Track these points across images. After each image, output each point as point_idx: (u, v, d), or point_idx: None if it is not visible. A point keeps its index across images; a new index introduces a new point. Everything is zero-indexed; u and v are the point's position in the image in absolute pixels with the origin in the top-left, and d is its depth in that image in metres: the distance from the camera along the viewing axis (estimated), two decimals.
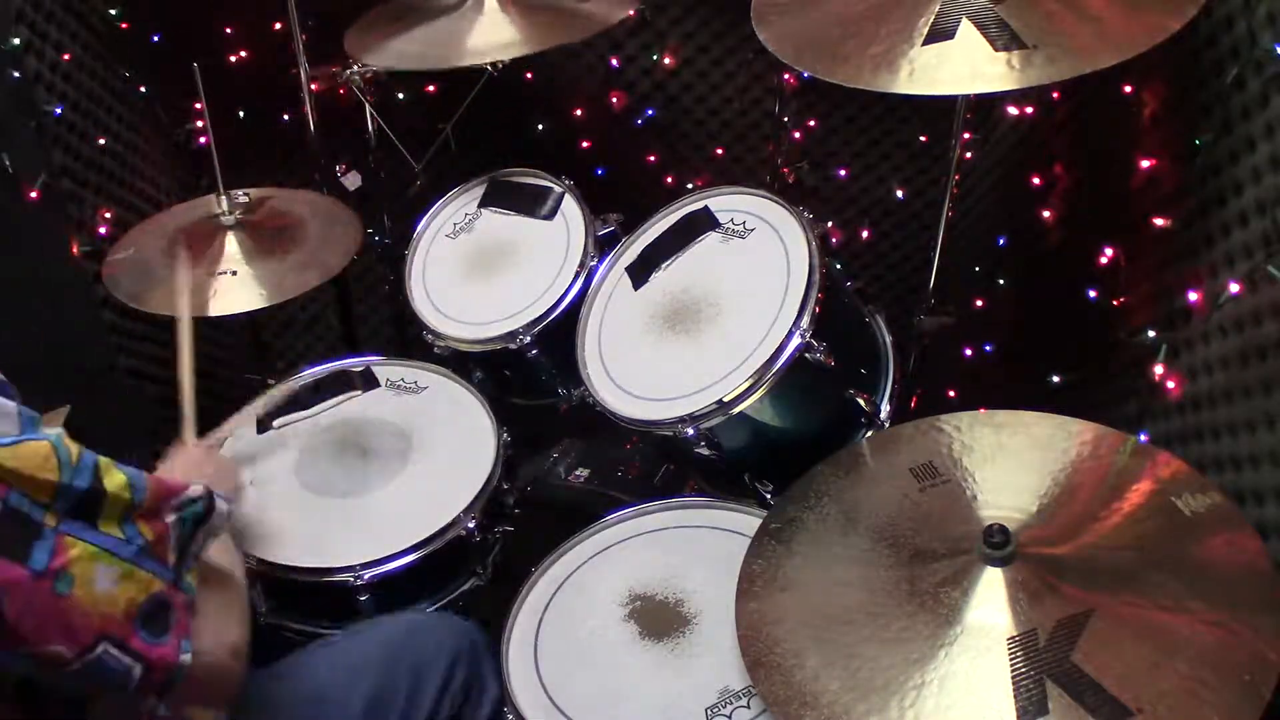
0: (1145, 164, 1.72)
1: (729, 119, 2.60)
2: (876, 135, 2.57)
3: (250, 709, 1.31)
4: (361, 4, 2.19)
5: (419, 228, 2.10)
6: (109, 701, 1.12)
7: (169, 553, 1.02)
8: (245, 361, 2.42)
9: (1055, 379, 1.99)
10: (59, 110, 2.15)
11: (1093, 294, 1.90)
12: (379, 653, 1.42)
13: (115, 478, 0.97)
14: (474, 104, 2.29)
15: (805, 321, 1.55)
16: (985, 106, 2.29)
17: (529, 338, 1.84)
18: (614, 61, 2.55)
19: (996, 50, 1.39)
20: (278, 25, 2.47)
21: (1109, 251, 1.84)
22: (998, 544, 1.18)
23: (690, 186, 2.62)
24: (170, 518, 1.03)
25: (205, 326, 2.55)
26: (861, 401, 1.66)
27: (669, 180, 2.67)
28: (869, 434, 1.66)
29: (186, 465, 1.47)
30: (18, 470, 0.88)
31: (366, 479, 1.77)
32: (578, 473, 2.04)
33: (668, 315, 1.71)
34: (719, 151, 2.64)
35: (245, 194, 2.08)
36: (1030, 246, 2.20)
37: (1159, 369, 1.61)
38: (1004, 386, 2.25)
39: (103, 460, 0.98)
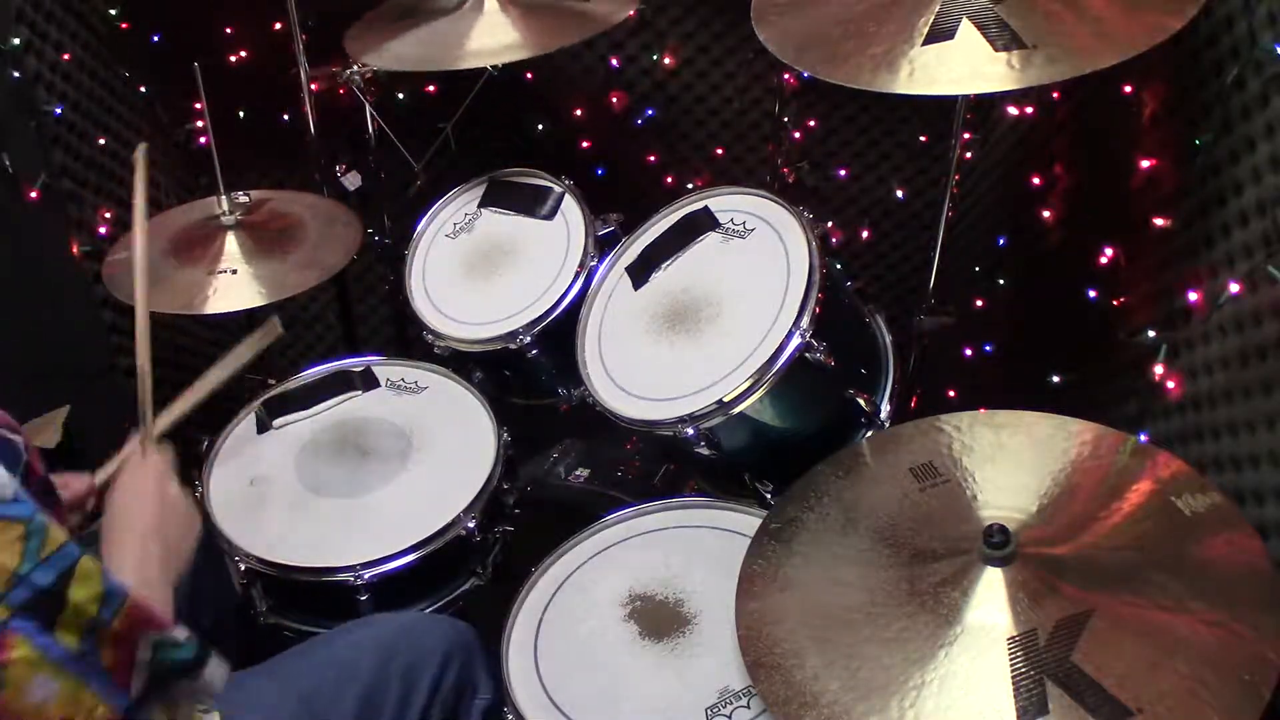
0: (1145, 164, 1.72)
1: (729, 119, 2.60)
2: (876, 135, 2.57)
3: (243, 707, 1.31)
4: (361, 4, 2.19)
5: (419, 228, 2.10)
6: None
7: (131, 681, 0.91)
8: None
9: (1055, 379, 1.99)
10: (59, 110, 2.15)
11: (1093, 294, 1.90)
12: (372, 652, 1.42)
13: (89, 588, 0.87)
14: (474, 104, 2.29)
15: (805, 321, 1.55)
16: (985, 106, 2.29)
17: (529, 338, 1.84)
18: (614, 61, 2.55)
19: (996, 50, 1.39)
20: (278, 25, 2.47)
21: (1109, 251, 1.84)
22: (998, 544, 1.18)
23: (690, 186, 2.62)
24: (144, 653, 0.92)
25: (205, 327, 2.57)
26: (861, 401, 1.66)
27: (669, 180, 2.67)
28: (869, 434, 1.66)
29: (128, 489, 1.27)
30: None
31: (366, 479, 1.77)
32: (578, 473, 2.04)
33: (668, 315, 1.71)
34: (719, 151, 2.64)
35: (245, 195, 2.08)
36: (1030, 246, 2.21)
37: (1159, 369, 1.61)
38: (1004, 386, 2.25)
39: (86, 565, 0.88)
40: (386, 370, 1.98)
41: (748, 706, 1.35)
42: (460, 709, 1.45)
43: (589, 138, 2.65)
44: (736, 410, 1.56)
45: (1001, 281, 2.30)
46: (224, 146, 2.00)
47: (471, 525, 1.69)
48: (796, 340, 1.54)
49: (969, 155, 2.38)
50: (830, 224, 1.77)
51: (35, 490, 0.93)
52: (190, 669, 0.96)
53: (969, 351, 2.34)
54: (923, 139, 2.52)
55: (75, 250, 2.16)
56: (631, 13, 2.10)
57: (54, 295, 2.13)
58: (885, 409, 1.71)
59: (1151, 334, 1.65)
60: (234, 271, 1.95)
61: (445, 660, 1.44)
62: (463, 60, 1.97)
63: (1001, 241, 2.31)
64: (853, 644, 1.19)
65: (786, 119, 2.42)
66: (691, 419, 1.57)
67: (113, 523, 1.22)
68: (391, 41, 2.04)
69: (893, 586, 1.24)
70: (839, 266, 1.77)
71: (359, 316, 2.79)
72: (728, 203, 1.79)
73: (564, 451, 2.11)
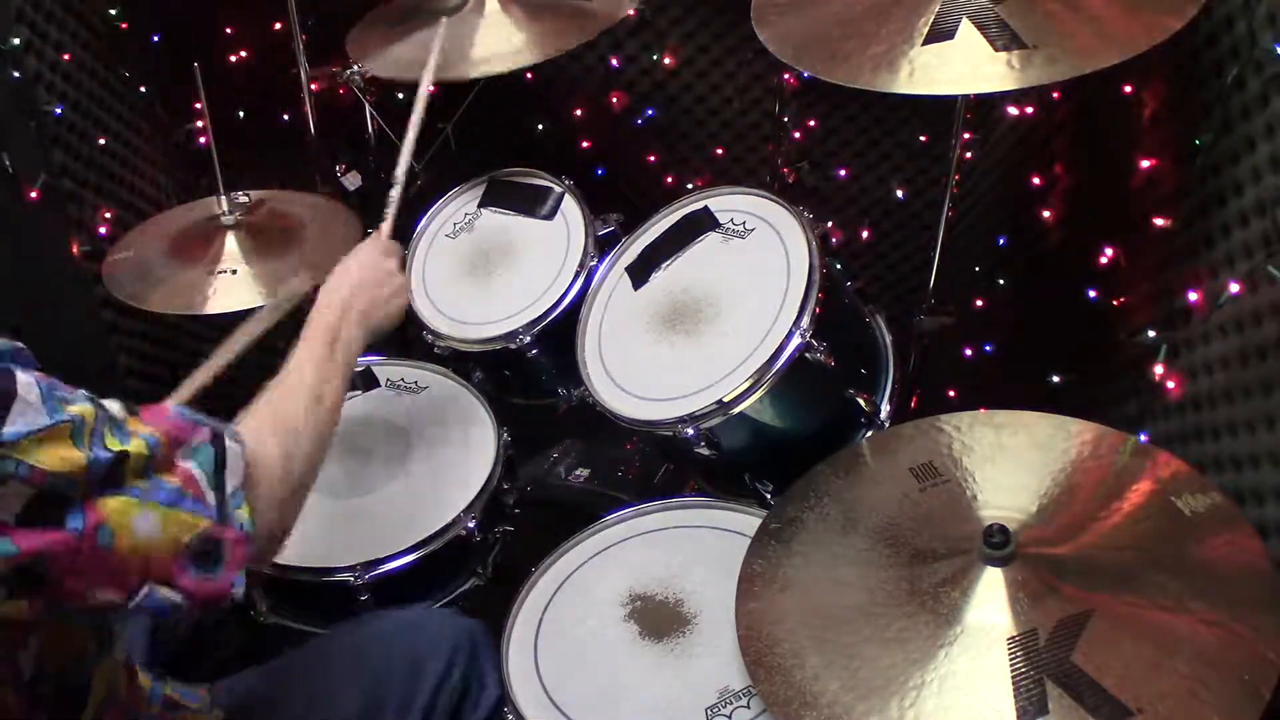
0: (1145, 164, 1.72)
1: (729, 119, 2.60)
2: (876, 135, 2.57)
3: (247, 706, 1.31)
4: (361, 4, 2.19)
5: (419, 227, 2.10)
6: (111, 690, 1.12)
7: (205, 493, 1.02)
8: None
9: (1055, 379, 1.99)
10: (59, 110, 2.15)
11: (1093, 294, 1.90)
12: (376, 648, 1.42)
13: (138, 442, 0.97)
14: (474, 104, 2.29)
15: (805, 321, 1.55)
16: (985, 106, 2.29)
17: (529, 338, 1.84)
18: (614, 61, 2.55)
19: (996, 50, 1.39)
20: (278, 25, 2.47)
21: (1109, 251, 1.84)
22: (998, 544, 1.18)
23: (690, 186, 2.62)
24: (187, 463, 1.02)
25: (203, 327, 2.57)
26: (861, 401, 1.66)
27: (669, 180, 2.67)
28: (869, 434, 1.66)
29: (358, 266, 1.51)
30: (47, 465, 0.90)
31: (366, 479, 1.77)
32: (578, 473, 2.04)
33: (668, 315, 1.71)
34: (719, 151, 2.64)
35: (245, 195, 2.08)
36: (1030, 246, 2.21)
37: (1159, 369, 1.61)
38: (1004, 386, 2.25)
39: (130, 421, 0.99)
40: (386, 370, 1.98)
41: (748, 706, 1.35)
42: (466, 704, 1.45)
43: (589, 138, 2.65)
44: (736, 410, 1.56)
45: (1001, 281, 2.30)
46: (224, 146, 2.00)
47: (471, 525, 1.69)
48: (796, 340, 1.54)
49: (969, 155, 2.38)
50: (830, 224, 1.77)
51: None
52: (218, 462, 1.05)
53: (969, 351, 2.34)
54: (923, 139, 2.52)
55: (75, 250, 2.16)
56: (631, 11, 2.10)
57: (54, 295, 2.13)
58: (885, 409, 1.71)
59: (1151, 334, 1.65)
60: (234, 271, 1.95)
61: (451, 655, 1.43)
62: (470, 69, 1.97)
63: (1001, 241, 2.31)
64: (853, 644, 1.19)
65: (786, 119, 2.42)
66: (691, 419, 1.57)
67: (326, 285, 1.48)
68: (393, 47, 2.04)
69: (893, 586, 1.24)
70: (839, 266, 1.77)
71: None
72: (728, 203, 1.79)
73: (564, 451, 2.11)
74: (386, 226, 1.66)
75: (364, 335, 1.44)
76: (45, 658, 1.02)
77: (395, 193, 1.70)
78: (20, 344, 0.97)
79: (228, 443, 1.07)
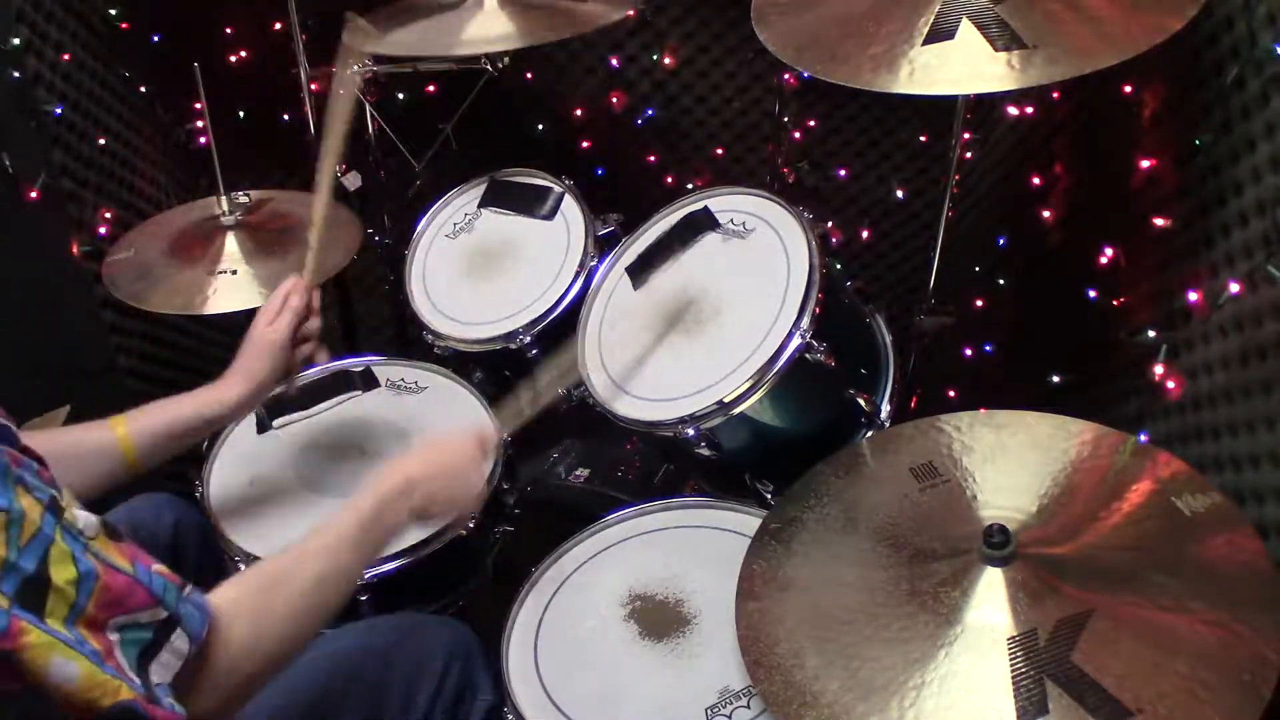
0: (1145, 164, 1.72)
1: (729, 119, 2.60)
2: (876, 135, 2.57)
3: (241, 710, 1.31)
4: (361, 4, 2.19)
5: (419, 228, 2.10)
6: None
7: (126, 672, 0.89)
8: None
9: (1055, 379, 1.99)
10: (59, 110, 2.15)
11: (1093, 294, 1.90)
12: (374, 655, 1.42)
13: (65, 571, 0.86)
14: (474, 104, 2.29)
15: (805, 322, 1.55)
16: (985, 106, 2.29)
17: (529, 338, 1.84)
18: (614, 61, 2.55)
19: (996, 50, 1.39)
20: (278, 25, 2.47)
21: (1109, 251, 1.84)
22: (998, 544, 1.18)
23: (690, 186, 2.62)
24: (112, 635, 0.89)
25: (203, 327, 2.57)
26: (861, 401, 1.66)
27: (669, 180, 2.67)
28: (869, 434, 1.67)
29: (438, 439, 1.42)
30: None
31: (367, 479, 1.76)
32: (578, 473, 2.04)
33: (668, 315, 1.71)
34: (719, 151, 2.64)
35: (245, 195, 2.08)
36: (1030, 246, 2.21)
37: (1159, 369, 1.61)
38: (1004, 386, 2.25)
39: (60, 546, 0.87)
40: (386, 370, 1.98)
41: (748, 706, 1.35)
42: (461, 711, 1.45)
43: (589, 138, 2.65)
44: (737, 411, 1.56)
45: (1001, 281, 2.30)
46: (224, 146, 2.00)
47: (471, 525, 1.69)
48: (796, 340, 1.54)
49: (969, 155, 2.38)
50: (830, 224, 1.78)
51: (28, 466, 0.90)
52: (149, 649, 0.93)
53: (969, 351, 2.34)
54: (923, 139, 2.52)
55: (75, 250, 2.16)
56: (631, 12, 2.10)
57: (54, 295, 2.13)
58: (885, 409, 1.71)
59: (1151, 334, 1.65)
60: (234, 272, 1.95)
61: (447, 662, 1.43)
62: (456, 48, 1.96)
63: (1001, 241, 2.31)
64: (853, 644, 1.19)
65: (786, 119, 2.42)
66: (692, 419, 1.57)
67: (402, 463, 1.35)
68: (385, 33, 2.04)
69: (893, 586, 1.24)
70: (839, 266, 1.77)
71: (359, 316, 2.79)
72: (728, 203, 1.79)
73: (564, 451, 2.11)
74: (494, 422, 1.63)
75: (409, 523, 1.33)
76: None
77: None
78: (7, 422, 0.89)
79: (175, 635, 0.94)
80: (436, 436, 1.44)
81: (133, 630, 0.91)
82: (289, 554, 1.16)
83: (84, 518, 0.92)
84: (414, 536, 1.65)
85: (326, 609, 1.16)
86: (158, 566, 0.96)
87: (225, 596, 1.04)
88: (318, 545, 1.18)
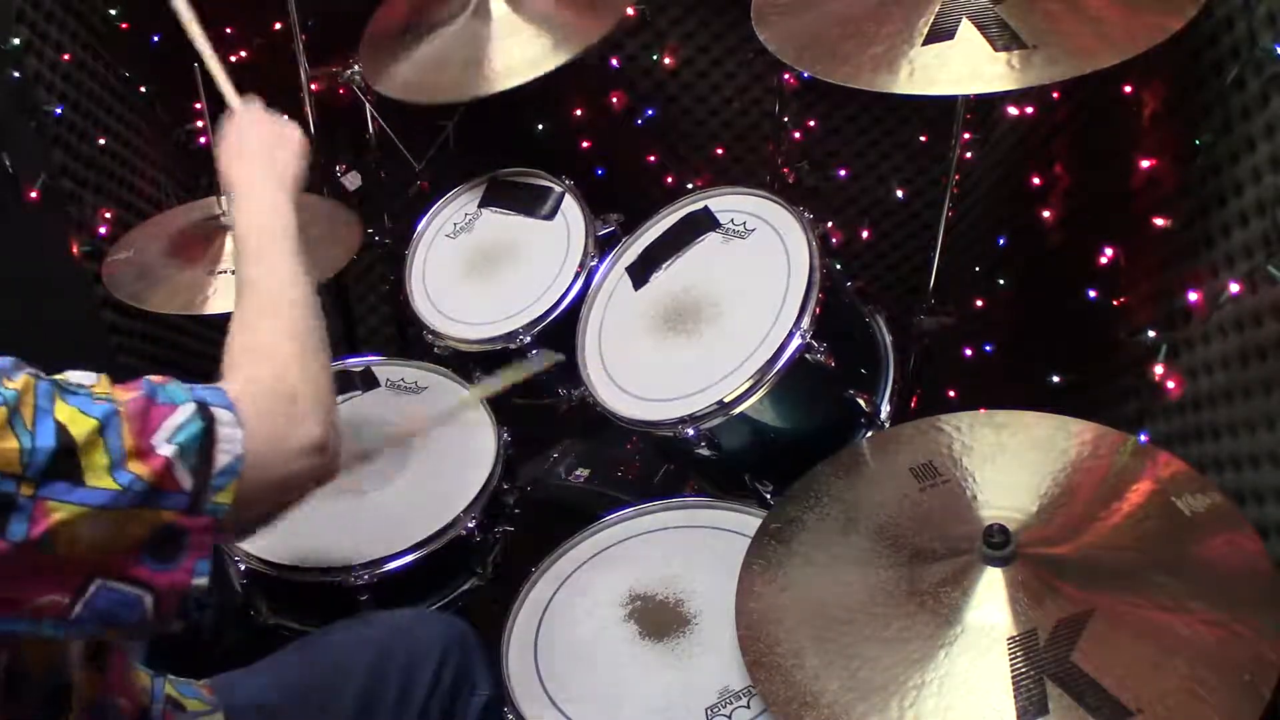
0: (1145, 164, 1.72)
1: (729, 119, 2.60)
2: (876, 135, 2.57)
3: (248, 704, 1.31)
4: (361, 4, 2.19)
5: (419, 228, 2.10)
6: (99, 690, 1.10)
7: (181, 481, 0.91)
8: None
9: (1055, 379, 1.99)
10: (59, 110, 2.15)
11: (1093, 294, 1.90)
12: (370, 650, 1.42)
13: (83, 425, 0.87)
14: (474, 104, 2.29)
15: (805, 322, 1.55)
16: (985, 106, 2.29)
17: (529, 338, 1.84)
18: (614, 61, 2.55)
19: (996, 50, 1.39)
20: (278, 25, 2.47)
21: (1109, 251, 1.84)
22: (998, 544, 1.18)
23: (690, 186, 2.62)
24: (166, 449, 0.90)
25: (203, 327, 2.57)
26: (861, 401, 1.66)
27: (669, 180, 2.67)
28: (869, 434, 1.66)
29: (243, 133, 1.38)
30: None
31: (367, 479, 1.77)
32: (578, 473, 2.04)
33: (668, 315, 1.71)
34: (719, 151, 2.64)
35: None
36: (1030, 246, 2.20)
37: (1159, 369, 1.61)
38: (1004, 386, 2.25)
39: (64, 410, 0.87)
40: (386, 370, 1.98)
41: (748, 706, 1.35)
42: (458, 705, 1.45)
43: (589, 138, 2.65)
44: (737, 411, 1.56)
45: (1001, 281, 2.30)
46: None
47: (471, 525, 1.69)
48: (797, 341, 1.54)
49: (969, 155, 2.38)
50: (830, 224, 1.77)
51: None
52: (204, 437, 0.94)
53: (969, 351, 2.34)
54: (923, 139, 2.52)
55: (75, 250, 2.16)
56: (631, 12, 2.10)
57: (54, 295, 2.13)
58: (885, 409, 1.71)
59: (1151, 334, 1.65)
60: (234, 272, 1.95)
61: (443, 657, 1.43)
62: (487, 86, 1.95)
63: (1001, 241, 2.31)
64: (853, 644, 1.19)
65: (786, 119, 2.41)
66: (692, 419, 1.57)
67: (226, 173, 1.34)
68: (398, 64, 2.03)
69: (893, 586, 1.24)
70: (839, 266, 1.77)
71: (359, 316, 2.79)
72: (728, 203, 1.79)
73: (564, 451, 2.11)
74: (228, 91, 1.53)
75: (288, 195, 1.30)
76: (18, 662, 0.98)
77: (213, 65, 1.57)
78: None
79: (215, 411, 0.95)
80: (221, 146, 1.39)
81: (181, 433, 0.92)
82: (242, 309, 1.15)
83: (78, 374, 0.93)
84: (414, 536, 1.65)
85: (308, 309, 1.16)
86: (155, 378, 0.97)
87: (232, 375, 1.05)
88: (255, 287, 1.17)
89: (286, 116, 1.46)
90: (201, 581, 0.94)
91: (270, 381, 1.05)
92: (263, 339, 1.11)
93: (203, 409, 0.95)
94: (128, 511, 0.88)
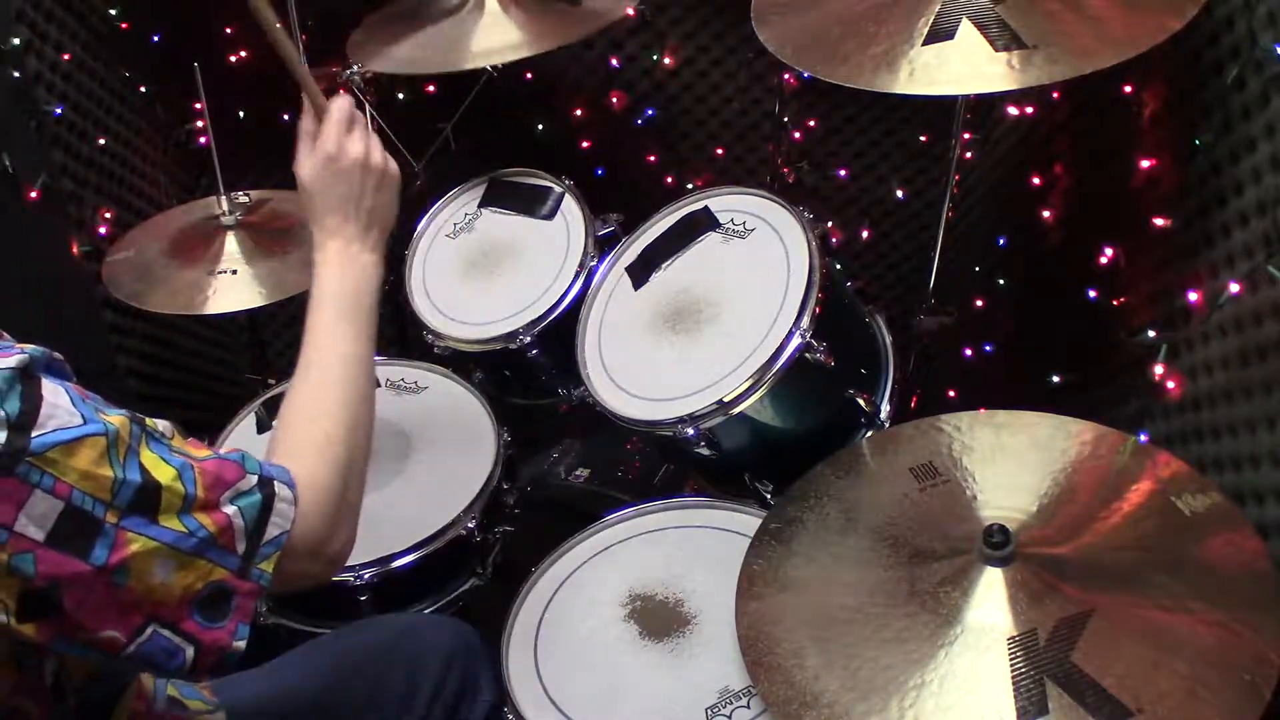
0: (1145, 164, 1.72)
1: (729, 119, 2.60)
2: (876, 135, 2.57)
3: (249, 706, 1.31)
4: (361, 4, 2.19)
5: (419, 228, 2.10)
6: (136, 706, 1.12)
7: (236, 542, 0.98)
8: (246, 361, 2.42)
9: (1055, 379, 1.99)
10: (59, 110, 2.15)
11: (1093, 294, 1.90)
12: (373, 654, 1.42)
13: (164, 471, 0.94)
14: (474, 104, 2.29)
15: (805, 322, 1.55)
16: (985, 106, 2.29)
17: (529, 338, 1.84)
18: (614, 61, 2.55)
19: (996, 50, 1.39)
20: (278, 25, 2.46)
21: (1109, 251, 1.84)
22: (998, 544, 1.18)
23: (690, 186, 2.62)
24: (229, 509, 0.98)
25: (204, 327, 2.57)
26: (861, 401, 1.66)
27: (669, 180, 2.67)
28: (869, 434, 1.66)
29: (338, 172, 1.32)
30: (78, 468, 0.87)
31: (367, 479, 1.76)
32: (578, 473, 2.04)
33: (668, 315, 1.71)
34: (719, 151, 2.64)
35: (245, 195, 2.08)
36: (1030, 246, 2.20)
37: (1159, 369, 1.61)
38: (1004, 386, 2.25)
39: (148, 455, 0.94)
40: (386, 370, 1.98)
41: (748, 706, 1.35)
42: (461, 710, 1.45)
43: (589, 138, 2.65)
44: (736, 410, 1.56)
45: (1001, 281, 2.30)
46: (224, 146, 2.00)
47: (471, 525, 1.69)
48: (796, 340, 1.54)
49: (969, 155, 2.38)
50: (830, 224, 1.77)
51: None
52: (263, 510, 1.00)
53: (969, 351, 2.34)
54: (923, 139, 2.52)
55: (75, 250, 2.16)
56: (631, 12, 2.10)
57: (54, 295, 2.13)
58: (885, 409, 1.71)
59: (1151, 334, 1.65)
60: (234, 272, 1.95)
61: (448, 662, 1.44)
62: (465, 61, 1.97)
63: (1001, 241, 2.31)
64: (853, 644, 1.19)
65: (786, 119, 2.41)
66: (691, 419, 1.57)
67: (311, 214, 1.31)
68: (393, 46, 2.04)
69: (893, 586, 1.24)
70: (839, 266, 1.77)
71: None
72: (728, 203, 1.79)
73: (564, 451, 2.11)
74: (321, 101, 1.46)
75: (379, 257, 1.28)
76: (65, 673, 1.01)
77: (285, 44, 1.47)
78: (58, 354, 0.96)
79: (277, 488, 1.02)
80: (301, 178, 1.35)
81: (243, 498, 0.99)
82: (305, 383, 1.18)
83: (161, 423, 0.99)
84: (414, 536, 1.65)
85: (368, 393, 1.20)
86: (223, 448, 1.04)
87: (288, 456, 1.09)
88: (322, 361, 1.20)
89: (378, 139, 1.37)
90: (240, 645, 1.00)
91: (337, 488, 1.11)
92: (337, 444, 1.14)
93: (266, 483, 1.02)
94: (189, 557, 0.95)
